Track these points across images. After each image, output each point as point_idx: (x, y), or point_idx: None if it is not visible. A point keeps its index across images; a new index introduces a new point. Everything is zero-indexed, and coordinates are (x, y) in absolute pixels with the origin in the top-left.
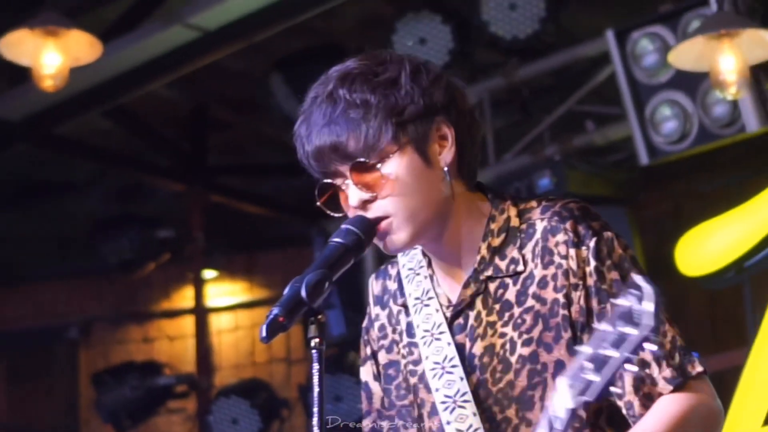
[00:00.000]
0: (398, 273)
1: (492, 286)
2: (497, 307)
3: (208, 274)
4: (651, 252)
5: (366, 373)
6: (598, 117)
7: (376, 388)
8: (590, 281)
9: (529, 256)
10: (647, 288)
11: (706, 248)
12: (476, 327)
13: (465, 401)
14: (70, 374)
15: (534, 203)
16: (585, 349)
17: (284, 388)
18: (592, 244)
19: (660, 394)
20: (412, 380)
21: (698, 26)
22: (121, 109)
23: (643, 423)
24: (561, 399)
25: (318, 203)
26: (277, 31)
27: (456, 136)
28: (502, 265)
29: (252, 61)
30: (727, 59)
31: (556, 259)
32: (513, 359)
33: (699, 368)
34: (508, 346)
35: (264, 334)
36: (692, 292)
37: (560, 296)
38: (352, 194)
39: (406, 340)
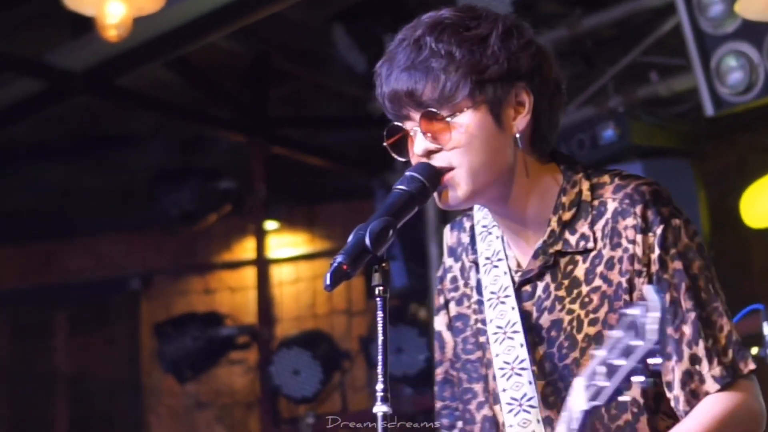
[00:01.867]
0: (472, 227)
1: (562, 261)
2: (566, 282)
3: (270, 225)
4: (715, 204)
5: (439, 322)
6: (663, 68)
7: (448, 337)
8: (653, 269)
9: (599, 235)
10: (653, 299)
11: None
12: (544, 299)
13: (522, 368)
14: (131, 325)
15: (607, 178)
16: (599, 353)
17: (345, 340)
18: (659, 231)
19: (706, 392)
20: (482, 338)
21: None
22: (182, 60)
23: (683, 424)
24: (577, 400)
25: (385, 143)
26: None
27: (534, 105)
28: (572, 240)
29: (314, 12)
30: None
31: (624, 242)
32: (579, 337)
33: (751, 366)
34: (575, 323)
35: (328, 282)
36: (757, 244)
37: (624, 280)
38: (419, 142)
39: (475, 296)
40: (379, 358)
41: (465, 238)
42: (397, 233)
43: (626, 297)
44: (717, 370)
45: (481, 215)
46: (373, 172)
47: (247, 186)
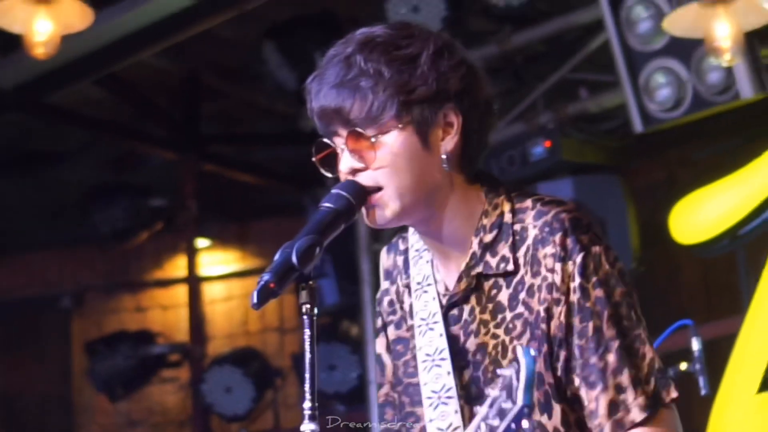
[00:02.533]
0: (406, 250)
1: (486, 285)
2: (490, 306)
3: (201, 243)
4: (645, 220)
5: (379, 345)
6: (592, 84)
7: (387, 360)
8: (573, 297)
9: (521, 261)
10: (524, 361)
11: (700, 216)
12: (470, 322)
13: (449, 397)
14: (62, 343)
15: (529, 203)
16: (481, 411)
17: (278, 357)
18: (578, 259)
19: (632, 422)
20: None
21: None
22: (113, 77)
23: None
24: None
25: (313, 158)
26: None
27: (463, 125)
28: (493, 262)
29: (244, 29)
30: (721, 26)
31: (543, 271)
32: (504, 363)
33: (672, 394)
34: (500, 348)
35: (255, 300)
36: (686, 260)
37: (542, 309)
38: (345, 160)
39: (409, 321)
40: (306, 376)
41: (399, 261)
42: (327, 250)
43: (543, 326)
44: (641, 400)
45: (415, 239)
46: (305, 188)
47: (179, 203)
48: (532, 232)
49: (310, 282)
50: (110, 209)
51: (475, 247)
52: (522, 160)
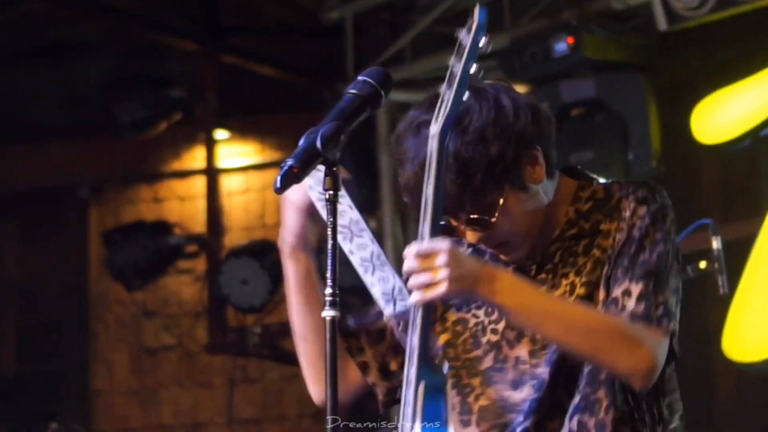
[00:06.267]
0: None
1: (572, 243)
2: (571, 259)
3: (220, 134)
4: (667, 119)
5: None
6: None
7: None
8: (635, 232)
9: (606, 220)
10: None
11: (722, 116)
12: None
13: None
14: (80, 233)
15: (616, 185)
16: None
17: None
18: (654, 208)
19: (631, 314)
20: None
21: None
22: None
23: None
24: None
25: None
26: None
27: (543, 153)
28: (587, 225)
29: None
30: None
31: (624, 213)
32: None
33: (672, 327)
34: (568, 288)
35: (278, 184)
36: (707, 160)
37: (611, 239)
38: (471, 234)
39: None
40: (329, 262)
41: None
42: (347, 143)
43: (610, 251)
44: (641, 309)
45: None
46: (325, 82)
47: (198, 95)
48: (618, 194)
49: (334, 168)
50: (130, 99)
51: (571, 213)
52: (544, 57)
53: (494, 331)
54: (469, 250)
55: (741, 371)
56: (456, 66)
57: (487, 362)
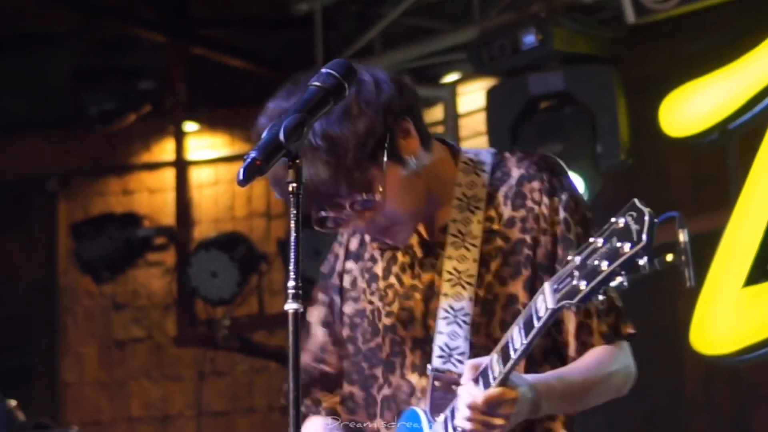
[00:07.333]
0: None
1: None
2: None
3: (189, 126)
4: (635, 112)
5: (315, 316)
6: None
7: (319, 333)
8: (558, 230)
9: (501, 199)
10: (645, 210)
11: (691, 109)
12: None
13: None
14: (49, 225)
15: (508, 154)
16: (575, 259)
17: (264, 243)
18: (564, 197)
19: (592, 345)
20: None
21: None
22: None
23: (575, 363)
24: (544, 300)
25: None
26: None
27: (414, 124)
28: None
29: None
30: None
31: (529, 203)
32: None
33: (629, 330)
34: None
35: (241, 177)
36: (675, 153)
37: (527, 237)
38: (357, 224)
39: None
40: (291, 255)
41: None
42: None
43: (529, 252)
44: (604, 327)
45: None
46: (295, 73)
47: (168, 86)
48: (517, 173)
49: (297, 161)
50: (99, 91)
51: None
52: (513, 49)
53: (389, 314)
54: (354, 241)
55: (709, 364)
56: (600, 264)
57: (386, 349)
